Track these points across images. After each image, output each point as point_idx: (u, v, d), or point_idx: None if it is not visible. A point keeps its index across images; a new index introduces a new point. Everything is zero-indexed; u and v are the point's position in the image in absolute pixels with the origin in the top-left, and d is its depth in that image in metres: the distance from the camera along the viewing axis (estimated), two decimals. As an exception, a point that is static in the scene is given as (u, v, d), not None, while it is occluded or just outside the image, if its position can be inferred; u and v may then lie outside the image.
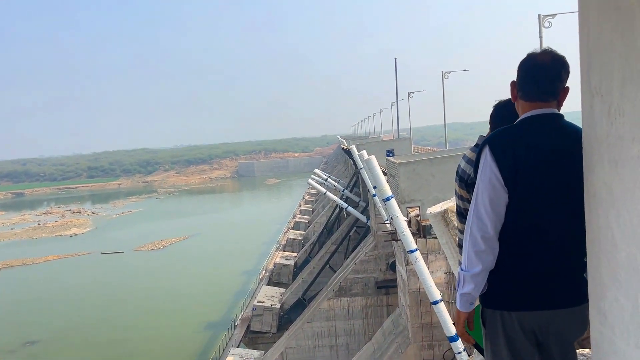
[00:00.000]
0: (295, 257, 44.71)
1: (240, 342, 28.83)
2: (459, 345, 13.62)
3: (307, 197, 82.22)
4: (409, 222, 16.77)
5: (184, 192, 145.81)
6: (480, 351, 2.48)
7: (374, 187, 20.03)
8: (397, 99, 44.86)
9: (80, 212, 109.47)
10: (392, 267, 24.80)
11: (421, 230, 17.15)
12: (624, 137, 1.49)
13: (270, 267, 42.59)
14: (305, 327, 26.17)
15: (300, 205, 76.48)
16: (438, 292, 14.30)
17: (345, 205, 39.59)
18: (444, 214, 5.03)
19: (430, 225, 16.83)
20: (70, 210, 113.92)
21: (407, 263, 16.90)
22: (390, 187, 16.28)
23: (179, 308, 39.66)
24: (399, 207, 15.64)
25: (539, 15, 20.42)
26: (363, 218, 35.38)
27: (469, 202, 2.85)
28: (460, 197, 3.01)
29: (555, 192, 2.13)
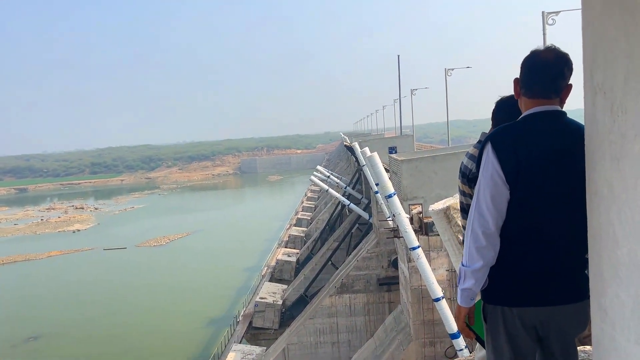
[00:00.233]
0: (298, 253, 44.76)
1: (242, 338, 28.92)
2: (461, 342, 13.65)
3: (309, 194, 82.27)
4: (411, 219, 16.77)
5: (187, 188, 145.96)
6: (483, 344, 2.49)
7: (377, 184, 20.06)
8: (399, 96, 44.81)
9: (83, 208, 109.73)
10: (394, 264, 24.81)
11: (423, 228, 17.15)
12: (627, 134, 1.49)
13: (273, 263, 42.66)
14: (307, 324, 26.22)
15: (303, 202, 76.52)
16: (440, 289, 14.32)
17: (347, 202, 39.61)
18: (446, 211, 5.04)
19: (433, 223, 16.83)
20: (73, 206, 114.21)
21: (409, 260, 16.91)
22: (393, 184, 16.29)
23: (181, 304, 39.77)
24: (401, 204, 15.65)
25: (543, 13, 20.36)
26: (365, 215, 35.39)
27: (471, 197, 2.88)
28: (462, 193, 3.03)
29: (557, 188, 2.13)
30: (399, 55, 41.35)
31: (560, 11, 20.18)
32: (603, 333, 1.63)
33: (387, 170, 18.14)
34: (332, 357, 25.75)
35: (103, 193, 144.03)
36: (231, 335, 30.44)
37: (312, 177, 48.92)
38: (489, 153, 2.19)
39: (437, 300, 14.03)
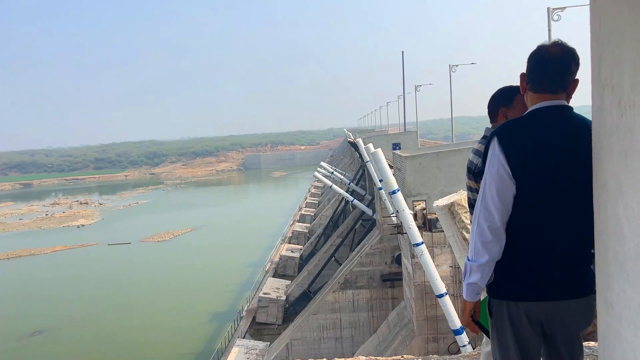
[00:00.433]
0: (301, 249, 44.82)
1: (246, 333, 29.02)
2: (464, 338, 13.66)
3: (313, 190, 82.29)
4: (415, 216, 16.77)
5: (191, 184, 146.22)
6: (488, 335, 2.49)
7: (380, 180, 20.02)
8: (404, 92, 44.71)
9: (87, 203, 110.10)
10: (398, 260, 24.82)
11: (427, 224, 17.15)
12: (634, 128, 1.49)
13: (276, 259, 42.74)
14: (311, 319, 26.29)
15: (306, 198, 76.56)
16: (443, 285, 14.33)
17: (351, 198, 39.61)
18: (450, 207, 5.03)
19: (436, 219, 16.83)
20: (77, 201, 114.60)
21: (413, 256, 16.91)
22: (397, 180, 16.28)
23: (185, 299, 39.91)
24: (405, 200, 15.65)
25: (548, 9, 20.23)
26: (369, 211, 35.39)
27: (477, 192, 2.89)
28: (469, 189, 3.05)
29: (563, 183, 2.13)
30: (403, 52, 41.24)
31: (565, 7, 20.05)
32: (609, 327, 1.64)
33: (390, 167, 18.14)
34: (335, 353, 25.81)
35: (107, 188, 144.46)
36: (235, 330, 30.54)
37: (316, 173, 48.90)
38: (495, 148, 2.19)
39: (441, 296, 14.04)
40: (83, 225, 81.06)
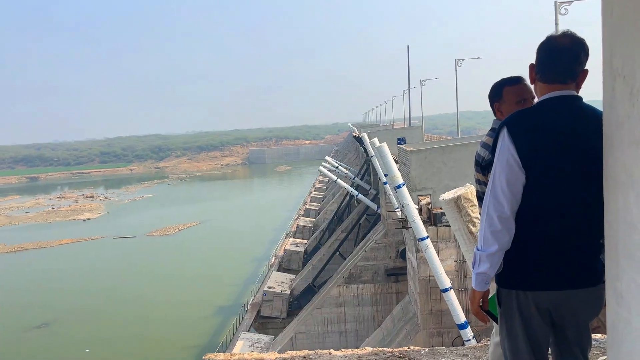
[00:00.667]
0: (306, 244, 44.91)
1: (250, 327, 29.15)
2: (468, 332, 13.68)
3: (317, 185, 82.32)
4: (420, 210, 16.76)
5: (196, 178, 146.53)
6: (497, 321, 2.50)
7: (385, 175, 20.02)
8: (409, 87, 44.59)
9: (93, 197, 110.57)
10: (402, 254, 24.84)
11: (432, 218, 17.14)
12: (646, 118, 1.48)
13: (281, 253, 42.85)
14: (315, 313, 26.38)
15: (311, 193, 76.61)
16: (448, 279, 14.34)
17: (355, 192, 39.63)
18: (457, 201, 5.02)
19: (441, 213, 16.86)
20: (83, 195, 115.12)
21: (418, 251, 16.92)
22: (402, 175, 16.27)
23: (190, 293, 40.10)
24: (410, 195, 15.64)
25: (555, 2, 20.10)
26: (373, 206, 35.40)
27: (485, 185, 2.90)
28: (477, 181, 3.07)
29: (573, 173, 2.13)
30: (408, 46, 41.12)
31: (573, 0, 19.91)
32: (618, 317, 1.64)
33: (395, 161, 18.11)
34: (340, 347, 25.82)
35: (113, 182, 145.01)
36: (239, 323, 30.69)
37: (321, 168, 48.96)
38: (504, 138, 2.19)
39: (445, 290, 14.06)
40: (89, 219, 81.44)
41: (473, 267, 2.30)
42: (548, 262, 2.20)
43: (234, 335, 28.85)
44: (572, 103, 2.22)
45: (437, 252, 15.31)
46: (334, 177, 46.38)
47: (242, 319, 31.20)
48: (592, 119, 2.13)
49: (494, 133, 2.87)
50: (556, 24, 20.06)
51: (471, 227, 4.58)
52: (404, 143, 28.56)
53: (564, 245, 2.19)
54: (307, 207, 64.09)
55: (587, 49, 2.20)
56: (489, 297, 2.37)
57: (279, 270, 38.01)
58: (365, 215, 37.24)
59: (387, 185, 22.38)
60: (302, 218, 57.04)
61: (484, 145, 2.95)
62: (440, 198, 4.97)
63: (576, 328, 2.31)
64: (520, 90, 2.93)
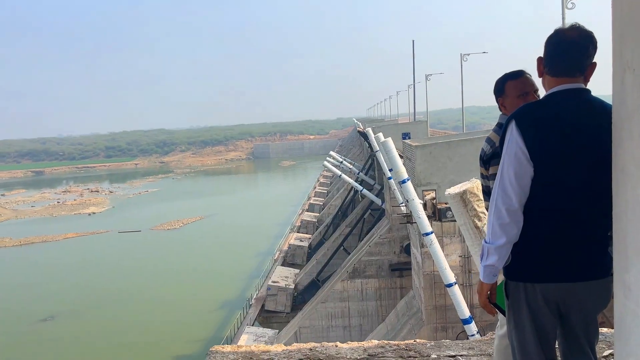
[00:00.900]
0: (310, 238, 45.00)
1: (254, 321, 29.28)
2: (472, 327, 13.68)
3: (321, 180, 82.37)
4: (424, 205, 16.75)
5: (200, 172, 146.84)
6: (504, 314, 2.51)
7: (390, 170, 20.01)
8: (414, 82, 44.47)
9: (98, 191, 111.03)
10: (407, 250, 24.86)
11: (437, 214, 17.13)
12: (656, 111, 1.48)
13: (285, 248, 42.95)
14: (319, 308, 26.46)
15: (315, 188, 76.67)
16: (452, 274, 14.34)
17: (360, 187, 39.63)
18: (462, 195, 5.02)
19: (446, 209, 16.84)
20: (88, 189, 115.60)
21: (422, 246, 16.92)
22: (407, 169, 16.25)
23: (195, 287, 40.28)
24: (415, 190, 15.63)
25: (563, -4, 19.96)
26: (378, 201, 35.40)
27: (488, 179, 2.92)
28: (481, 176, 3.09)
29: (581, 166, 2.13)
30: (413, 41, 40.95)
31: (580, -5, 19.76)
32: (626, 310, 1.64)
33: (400, 156, 18.09)
34: (344, 341, 26.00)
35: (118, 176, 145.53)
36: (244, 317, 30.82)
37: (325, 163, 48.93)
38: (512, 131, 2.20)
39: (450, 285, 14.06)
40: (94, 213, 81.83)
41: (481, 259, 2.31)
42: (556, 254, 2.20)
43: (238, 329, 28.98)
44: (580, 96, 2.22)
45: (442, 247, 15.31)
46: (339, 172, 46.38)
47: (247, 313, 31.33)
48: (600, 111, 2.13)
49: (499, 128, 2.89)
50: (563, 18, 19.95)
51: (477, 221, 4.58)
52: (409, 138, 28.51)
53: (572, 238, 2.19)
54: (311, 202, 64.17)
55: (596, 42, 2.20)
56: (496, 287, 2.38)
57: (283, 264, 38.11)
58: (369, 210, 37.26)
59: (392, 180, 22.36)
60: (306, 213, 57.12)
61: (488, 140, 3.00)
62: (446, 192, 4.98)
63: (584, 320, 2.32)
64: (521, 84, 2.94)
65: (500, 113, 3.12)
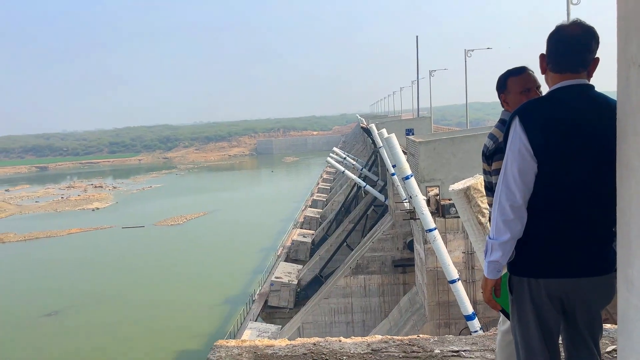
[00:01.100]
0: (313, 234, 45.05)
1: (258, 317, 29.38)
2: (475, 323, 13.70)
3: (325, 176, 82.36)
4: (428, 202, 16.75)
5: (203, 168, 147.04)
6: (507, 316, 2.52)
7: (393, 166, 20.01)
8: (417, 78, 44.35)
9: (102, 187, 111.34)
10: (410, 246, 24.87)
11: (440, 210, 17.13)
12: (660, 107, 1.48)
13: (288, 244, 43.03)
14: (322, 303, 26.52)
15: (318, 184, 76.68)
16: (456, 271, 14.35)
17: (363, 184, 39.62)
18: (466, 191, 5.03)
19: (450, 205, 16.82)
20: (92, 184, 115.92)
21: (425, 242, 16.92)
22: (410, 166, 16.24)
23: (198, 282, 40.41)
24: (418, 186, 15.63)
25: (568, -8, 19.84)
26: (381, 197, 35.40)
27: (491, 175, 2.93)
28: (483, 171, 3.09)
29: (585, 161, 2.14)
30: (417, 36, 40.85)
31: (585, -10, 19.65)
32: (629, 305, 1.64)
33: (404, 152, 18.07)
34: (347, 337, 26.06)
35: (121, 172, 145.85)
36: (247, 313, 30.93)
37: (329, 159, 48.97)
38: (516, 127, 2.20)
39: (453, 282, 14.08)
40: (97, 209, 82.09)
41: (485, 255, 2.31)
42: (560, 250, 2.21)
43: (241, 324, 29.09)
44: (584, 92, 2.22)
45: (445, 243, 15.32)
46: (342, 168, 46.38)
47: (250, 308, 31.43)
48: (604, 107, 2.13)
49: (502, 124, 2.90)
50: (568, 14, 19.84)
51: (480, 217, 4.59)
52: (413, 134, 28.46)
53: (576, 233, 2.19)
54: (314, 198, 64.20)
55: (598, 37, 2.20)
56: (501, 278, 2.38)
57: (286, 260, 38.20)
58: (372, 207, 37.26)
59: (395, 177, 22.35)
60: (309, 209, 57.17)
61: (491, 136, 3.01)
62: (450, 189, 4.98)
63: (588, 316, 2.32)
64: (523, 80, 2.95)
65: (503, 109, 3.13)
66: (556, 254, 2.21)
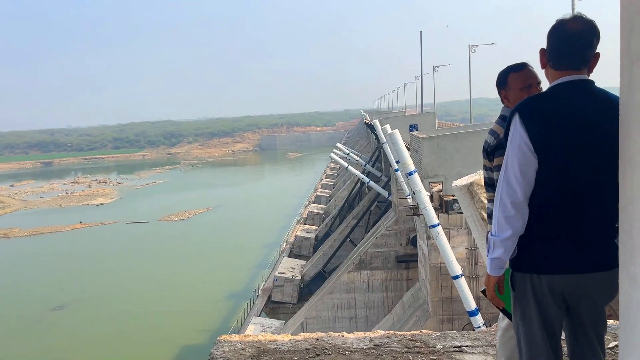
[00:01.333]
0: (316, 230, 45.10)
1: (261, 312, 29.47)
2: (479, 319, 13.71)
3: (328, 172, 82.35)
4: (431, 197, 16.73)
5: (207, 164, 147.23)
6: (508, 316, 2.52)
7: (397, 162, 19.98)
8: (421, 73, 44.26)
9: (106, 182, 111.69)
10: (413, 242, 24.88)
11: (443, 206, 17.11)
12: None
13: (292, 239, 43.10)
14: (326, 299, 26.58)
15: (322, 180, 76.69)
16: (459, 266, 14.36)
17: (366, 179, 39.62)
18: (469, 187, 5.03)
19: (453, 201, 16.80)
20: (96, 180, 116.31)
21: (429, 238, 16.93)
22: (413, 162, 16.23)
23: (202, 277, 40.55)
24: (422, 182, 15.61)
25: (573, -13, 19.73)
26: (384, 193, 35.38)
27: (492, 171, 2.93)
28: (484, 167, 3.09)
29: (586, 157, 2.13)
30: (421, 32, 40.73)
31: (590, -15, 19.53)
32: (631, 300, 1.64)
33: (407, 148, 18.05)
34: (350, 332, 26.12)
35: (125, 168, 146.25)
36: (250, 308, 31.04)
37: (332, 155, 48.95)
38: (516, 124, 2.19)
39: (456, 277, 14.09)
40: (102, 204, 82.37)
41: (487, 252, 2.31)
42: (562, 246, 2.20)
43: (245, 319, 29.19)
44: (584, 87, 2.21)
45: (448, 239, 15.31)
46: (345, 164, 46.37)
47: (253, 304, 31.53)
48: (605, 102, 2.12)
49: (503, 121, 2.89)
50: (572, 9, 19.73)
51: (484, 213, 4.58)
52: (416, 130, 28.41)
53: (578, 230, 2.19)
54: (318, 193, 64.23)
55: (599, 32, 2.18)
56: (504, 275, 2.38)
57: (289, 256, 38.26)
58: (376, 202, 37.25)
59: (399, 173, 22.34)
60: (313, 205, 57.21)
61: (491, 132, 2.99)
62: (453, 184, 4.98)
63: (591, 312, 2.31)
64: (524, 76, 2.93)
65: (503, 105, 3.12)
66: (558, 250, 2.21)
